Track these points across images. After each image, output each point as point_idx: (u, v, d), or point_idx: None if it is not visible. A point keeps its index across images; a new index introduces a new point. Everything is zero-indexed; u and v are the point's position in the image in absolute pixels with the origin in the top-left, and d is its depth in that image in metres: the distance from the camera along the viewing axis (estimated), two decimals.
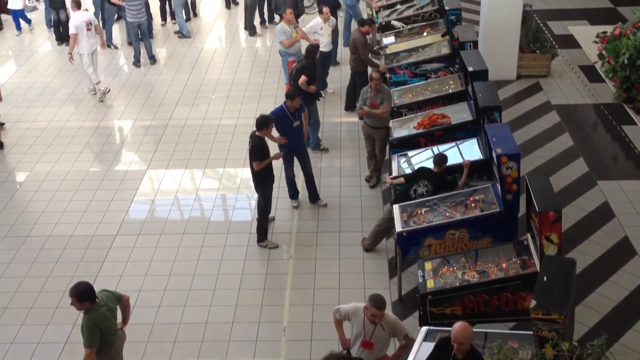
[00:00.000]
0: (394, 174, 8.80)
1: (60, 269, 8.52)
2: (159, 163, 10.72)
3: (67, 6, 14.12)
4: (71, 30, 12.29)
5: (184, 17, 15.47)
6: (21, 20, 15.89)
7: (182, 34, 15.28)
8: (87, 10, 13.30)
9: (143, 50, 14.02)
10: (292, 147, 9.25)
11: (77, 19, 12.26)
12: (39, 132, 11.66)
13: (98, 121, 11.97)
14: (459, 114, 9.46)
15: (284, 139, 9.05)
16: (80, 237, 9.10)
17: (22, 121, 12.02)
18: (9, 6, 15.58)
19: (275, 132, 8.95)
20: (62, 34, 14.86)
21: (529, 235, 7.05)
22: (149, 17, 14.72)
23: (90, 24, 12.35)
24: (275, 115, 8.96)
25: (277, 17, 15.00)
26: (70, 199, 9.89)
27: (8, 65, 14.40)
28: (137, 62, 13.98)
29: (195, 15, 16.79)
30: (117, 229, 9.25)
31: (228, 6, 17.08)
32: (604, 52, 12.16)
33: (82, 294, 5.86)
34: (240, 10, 16.25)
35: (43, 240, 9.06)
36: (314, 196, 9.60)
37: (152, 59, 14.05)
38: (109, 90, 12.76)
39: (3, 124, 11.80)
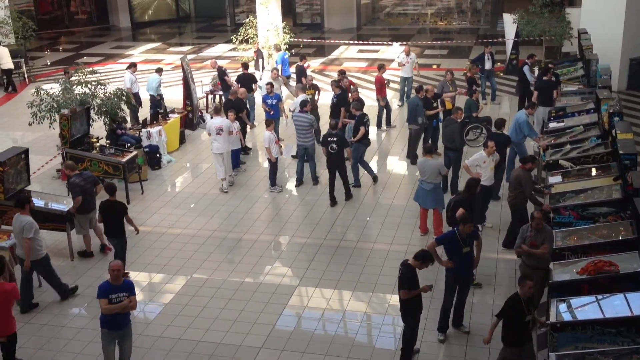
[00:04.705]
0: (552, 319, 8.25)
1: None
2: (310, 280, 10.87)
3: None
4: (207, 132, 14.58)
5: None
6: None
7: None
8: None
9: (307, 171, 14.61)
10: (459, 273, 9.09)
11: (210, 123, 14.33)
12: (203, 240, 12.34)
13: (257, 234, 12.48)
14: (628, 263, 8.81)
15: (452, 263, 8.91)
16: (228, 345, 9.32)
17: (191, 228, 12.82)
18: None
19: (444, 256, 8.94)
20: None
21: None
22: (318, 141, 15.42)
23: (222, 129, 14.05)
24: (447, 238, 8.92)
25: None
26: (223, 306, 10.22)
27: (185, 175, 15.59)
28: (299, 183, 14.56)
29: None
30: (263, 341, 9.37)
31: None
32: None
33: None
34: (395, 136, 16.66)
35: (193, 344, 9.36)
36: (457, 321, 9.40)
37: (315, 180, 14.59)
38: (227, 191, 14.26)
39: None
